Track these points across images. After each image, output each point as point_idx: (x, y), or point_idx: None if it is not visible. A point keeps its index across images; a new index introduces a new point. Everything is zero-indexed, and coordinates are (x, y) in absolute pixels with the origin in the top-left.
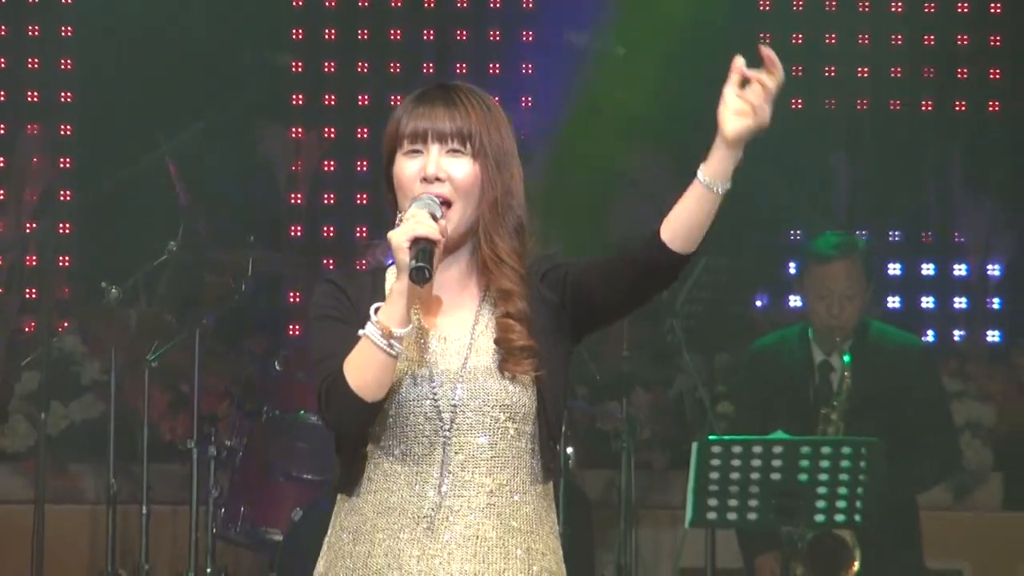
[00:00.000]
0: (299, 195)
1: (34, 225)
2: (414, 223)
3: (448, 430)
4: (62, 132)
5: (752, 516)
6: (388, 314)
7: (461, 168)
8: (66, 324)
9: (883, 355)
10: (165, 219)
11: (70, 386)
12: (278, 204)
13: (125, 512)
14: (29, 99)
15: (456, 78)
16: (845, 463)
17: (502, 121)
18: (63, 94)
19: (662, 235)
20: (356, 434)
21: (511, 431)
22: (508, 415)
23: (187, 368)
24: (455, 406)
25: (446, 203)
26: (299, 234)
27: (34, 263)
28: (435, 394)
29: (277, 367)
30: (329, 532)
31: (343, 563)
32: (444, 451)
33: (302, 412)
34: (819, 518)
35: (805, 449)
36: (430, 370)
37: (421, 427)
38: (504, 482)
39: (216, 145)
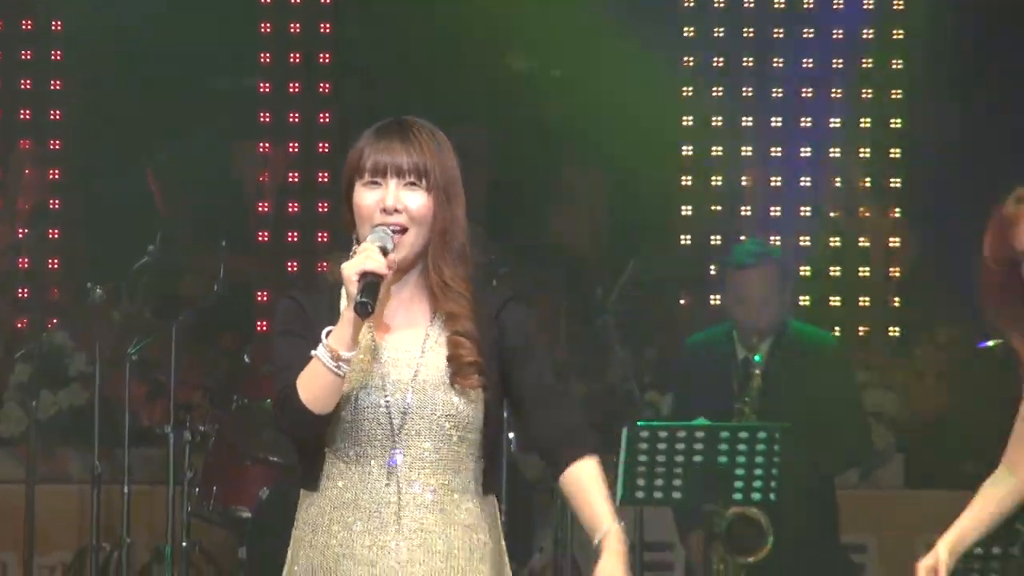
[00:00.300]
0: (266, 204)
1: (26, 231)
2: (364, 257)
3: (397, 435)
4: (52, 147)
5: (676, 495)
6: (337, 338)
7: (416, 200)
8: (55, 321)
9: (801, 352)
10: (145, 227)
11: (58, 377)
12: (246, 213)
13: (108, 491)
14: (21, 117)
15: None
16: (760, 447)
17: (451, 154)
18: (52, 112)
19: (559, 478)
20: (308, 440)
21: (455, 438)
22: (453, 424)
23: (164, 361)
24: (404, 413)
25: (403, 230)
26: (266, 239)
27: (26, 266)
28: (387, 402)
29: (246, 360)
30: (295, 525)
31: (305, 552)
32: (392, 453)
33: (268, 401)
34: (737, 496)
35: (724, 434)
36: (383, 380)
37: (374, 431)
38: (447, 482)
39: (191, 160)
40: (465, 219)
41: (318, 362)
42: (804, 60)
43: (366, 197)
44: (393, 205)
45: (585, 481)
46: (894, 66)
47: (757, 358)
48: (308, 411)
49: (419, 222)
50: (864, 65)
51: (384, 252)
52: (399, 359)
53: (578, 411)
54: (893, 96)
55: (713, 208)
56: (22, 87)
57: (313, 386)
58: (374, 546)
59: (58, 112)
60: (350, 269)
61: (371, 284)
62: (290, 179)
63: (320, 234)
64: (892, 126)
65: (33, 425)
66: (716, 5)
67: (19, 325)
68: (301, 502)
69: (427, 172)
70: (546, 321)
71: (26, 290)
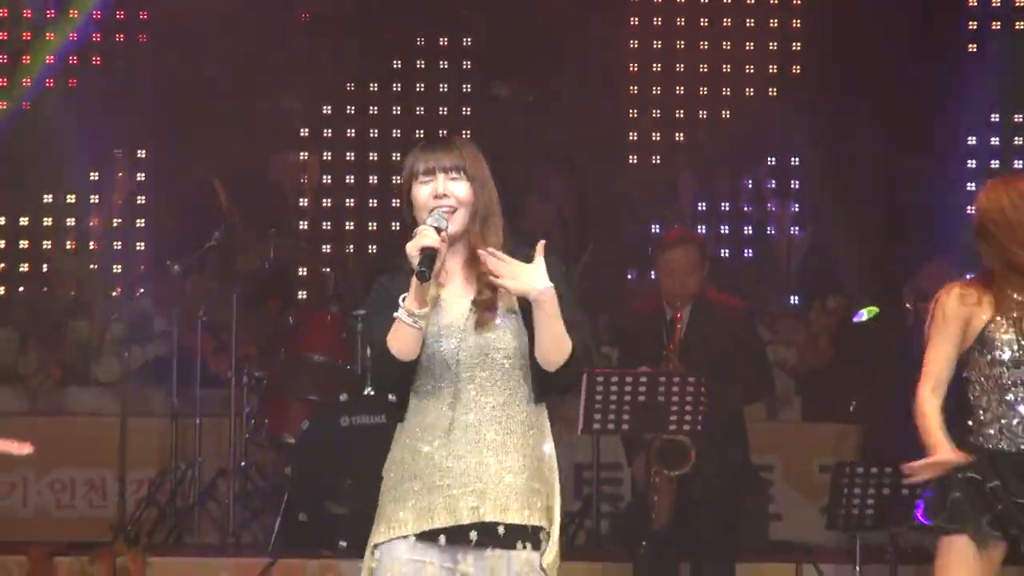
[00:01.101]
0: (306, 200)
1: (120, 221)
2: (420, 237)
3: (459, 368)
4: (139, 155)
5: (624, 427)
6: (410, 300)
7: (461, 188)
8: (142, 291)
9: (714, 313)
10: (211, 218)
11: (145, 334)
12: (289, 207)
13: (184, 423)
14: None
15: None
16: (689, 388)
17: (481, 157)
18: (139, 136)
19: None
20: (400, 386)
21: (506, 365)
22: (502, 354)
23: (227, 321)
24: (461, 351)
25: (452, 211)
26: (305, 227)
27: (119, 247)
28: (449, 345)
29: (289, 320)
30: (391, 449)
31: (397, 468)
32: (457, 384)
33: (306, 353)
34: (672, 427)
35: (662, 379)
36: (444, 329)
37: (441, 369)
38: (503, 400)
39: (247, 165)
40: (497, 203)
41: (399, 321)
42: None
43: (422, 191)
44: (443, 191)
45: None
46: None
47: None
48: (398, 360)
49: (464, 204)
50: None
51: (439, 230)
52: (454, 310)
53: (580, 340)
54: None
55: (651, 203)
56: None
57: (399, 340)
58: (450, 456)
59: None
60: (411, 247)
61: (428, 256)
62: (324, 181)
63: (347, 224)
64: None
65: (126, 372)
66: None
67: (114, 294)
68: (396, 432)
69: (465, 167)
70: None
71: (119, 266)
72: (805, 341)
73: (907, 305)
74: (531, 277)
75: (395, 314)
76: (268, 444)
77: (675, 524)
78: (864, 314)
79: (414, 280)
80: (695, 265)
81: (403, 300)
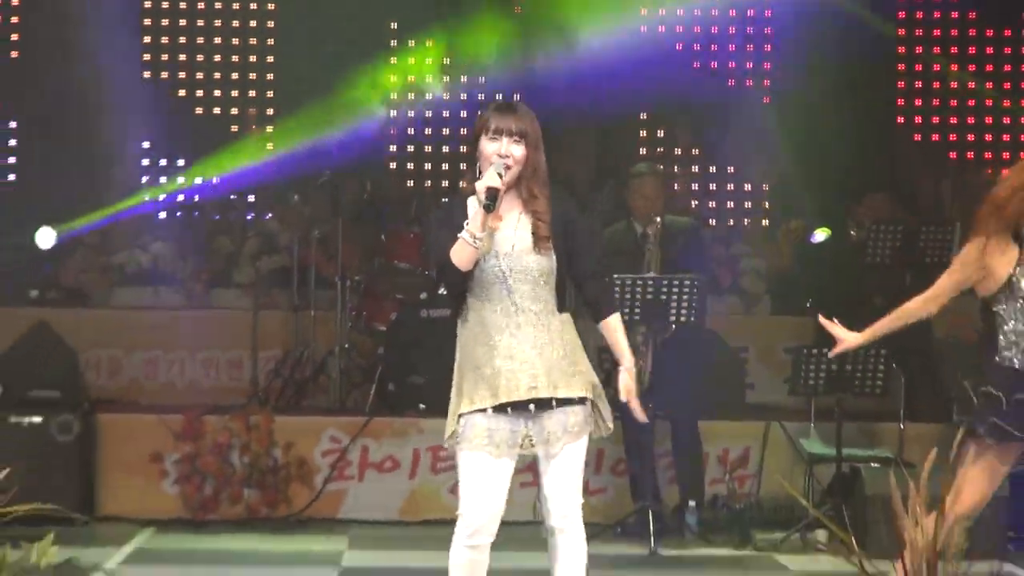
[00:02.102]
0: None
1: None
2: (488, 178)
3: (507, 282)
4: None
5: (636, 317)
6: (473, 225)
7: (519, 151)
8: (270, 214)
9: (674, 229)
10: (323, 161)
11: (273, 247)
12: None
13: (302, 315)
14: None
15: None
16: (687, 285)
17: (537, 124)
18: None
19: (597, 321)
20: (457, 287)
21: (541, 281)
22: (538, 272)
23: (335, 239)
24: (511, 269)
25: (508, 167)
26: (394, 167)
27: None
28: (500, 264)
29: (382, 238)
30: (457, 344)
31: (470, 358)
32: (508, 293)
33: (394, 262)
34: (672, 317)
35: (664, 281)
36: (497, 251)
37: (493, 282)
38: (539, 308)
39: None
40: (544, 162)
41: (463, 240)
42: None
43: (489, 146)
44: (506, 152)
45: (613, 326)
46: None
47: (651, 231)
48: (458, 270)
49: (519, 162)
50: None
51: (499, 176)
52: (506, 238)
53: (609, 282)
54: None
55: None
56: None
57: (461, 254)
58: (510, 348)
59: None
60: (480, 185)
61: (492, 194)
62: (409, 133)
63: (426, 164)
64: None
65: (258, 276)
66: None
67: (248, 218)
68: (459, 329)
69: (525, 134)
70: None
71: (252, 196)
72: (773, 253)
73: (851, 232)
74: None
75: (460, 234)
76: (365, 331)
77: (654, 389)
78: (819, 234)
79: (480, 210)
80: (659, 191)
81: (467, 224)
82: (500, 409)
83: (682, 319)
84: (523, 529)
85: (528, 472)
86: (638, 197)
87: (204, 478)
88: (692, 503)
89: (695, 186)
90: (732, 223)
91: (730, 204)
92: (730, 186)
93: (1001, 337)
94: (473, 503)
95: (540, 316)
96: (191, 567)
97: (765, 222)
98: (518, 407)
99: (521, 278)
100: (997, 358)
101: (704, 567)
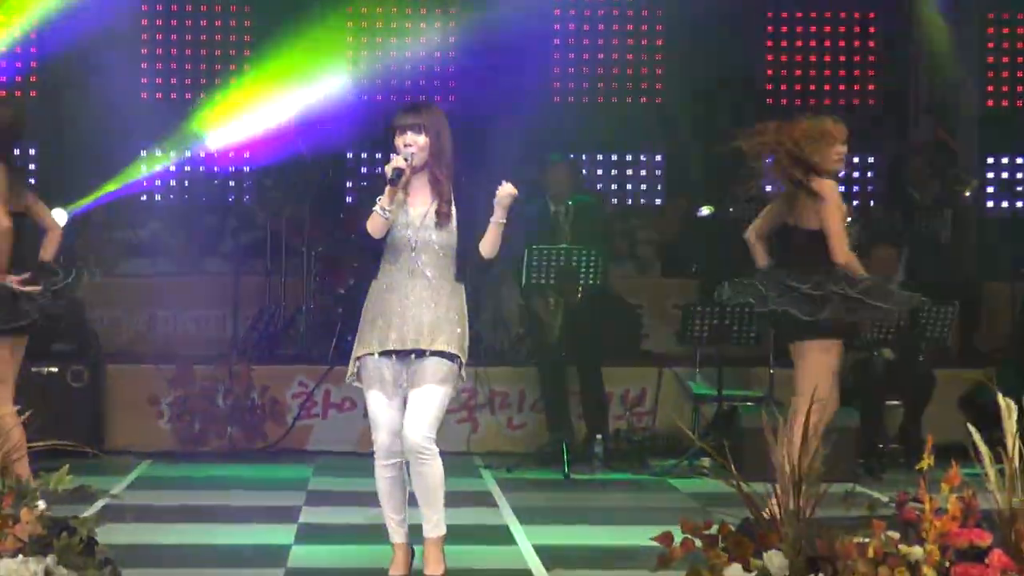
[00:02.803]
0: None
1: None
2: (394, 162)
3: (414, 251)
4: None
5: (552, 281)
6: (384, 200)
7: (421, 139)
8: (247, 197)
9: (581, 207)
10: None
11: (250, 225)
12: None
13: (275, 280)
14: None
15: None
16: (593, 257)
17: (442, 116)
18: None
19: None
20: (374, 250)
21: (440, 253)
22: (439, 245)
23: (302, 217)
24: (417, 240)
25: (415, 153)
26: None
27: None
28: (409, 234)
29: (341, 216)
30: (367, 296)
31: (371, 309)
32: (411, 260)
33: (351, 236)
34: (580, 282)
35: (574, 250)
36: (408, 223)
37: (402, 249)
38: (438, 274)
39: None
40: (450, 148)
41: (375, 212)
42: None
43: (398, 140)
44: (410, 142)
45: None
46: None
47: (563, 208)
48: (371, 237)
49: (422, 148)
50: None
51: (405, 159)
52: (418, 213)
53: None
54: None
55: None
56: None
57: (373, 223)
58: (402, 302)
59: None
60: (388, 167)
61: (396, 173)
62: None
63: (376, 154)
64: None
65: (239, 248)
66: None
67: (231, 199)
68: (370, 287)
69: (425, 126)
70: None
71: (232, 181)
72: (664, 226)
73: (730, 209)
74: (502, 210)
75: (375, 208)
76: (327, 294)
77: (565, 341)
78: (704, 210)
79: (388, 186)
80: (571, 176)
81: (379, 199)
82: (385, 355)
83: (590, 283)
84: (456, 458)
85: (463, 410)
86: (553, 181)
87: (193, 417)
88: (599, 436)
89: (599, 171)
90: (630, 202)
91: (629, 186)
92: (629, 170)
93: None
94: (376, 430)
95: (434, 281)
96: (184, 491)
97: (658, 200)
98: (401, 354)
99: (424, 248)
100: None
101: (608, 489)
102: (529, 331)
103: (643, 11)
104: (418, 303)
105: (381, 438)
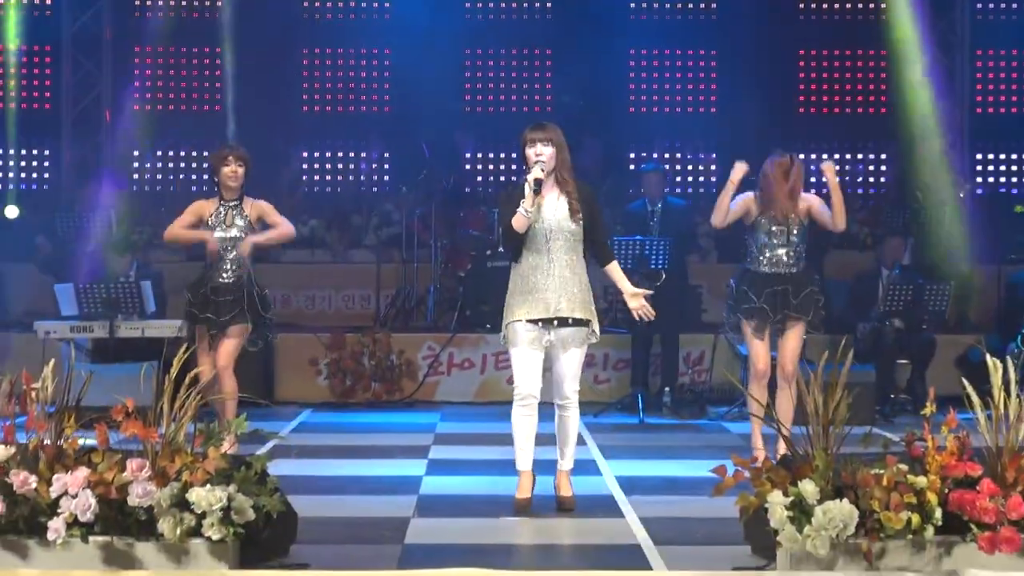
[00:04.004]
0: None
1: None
2: (534, 172)
3: (549, 239)
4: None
5: (629, 264)
6: (526, 204)
7: (548, 150)
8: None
9: (672, 209)
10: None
11: (388, 222)
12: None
13: (408, 266)
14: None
15: None
16: (660, 246)
17: (561, 133)
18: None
19: (603, 266)
20: (517, 245)
21: (572, 240)
22: (570, 233)
23: (430, 216)
24: (551, 230)
25: (545, 162)
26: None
27: None
28: (545, 227)
29: (461, 215)
30: (510, 278)
31: (518, 287)
32: (548, 247)
33: (470, 231)
34: (652, 265)
35: (647, 243)
36: (543, 218)
37: (540, 240)
38: (572, 260)
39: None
40: (568, 157)
41: (520, 213)
42: None
43: (529, 151)
44: (540, 154)
45: (614, 268)
46: None
47: (660, 207)
48: (517, 233)
49: (550, 159)
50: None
51: (541, 171)
52: (548, 208)
53: (609, 241)
54: None
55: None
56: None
57: (518, 222)
58: (545, 280)
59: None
60: (529, 177)
61: (538, 182)
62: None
63: (489, 165)
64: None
65: (379, 241)
66: None
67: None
68: (512, 272)
69: (551, 140)
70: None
71: (375, 188)
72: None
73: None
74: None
75: (518, 210)
76: (451, 277)
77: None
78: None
79: (530, 192)
80: (661, 182)
81: (523, 202)
82: (532, 321)
83: (659, 266)
84: (546, 406)
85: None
86: (648, 185)
87: (345, 375)
88: (667, 388)
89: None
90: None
91: (690, 189)
92: (689, 177)
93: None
94: (520, 378)
95: (568, 264)
96: (337, 434)
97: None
98: (546, 322)
99: (557, 237)
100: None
101: (675, 431)
102: (613, 306)
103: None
104: (558, 280)
105: (523, 385)
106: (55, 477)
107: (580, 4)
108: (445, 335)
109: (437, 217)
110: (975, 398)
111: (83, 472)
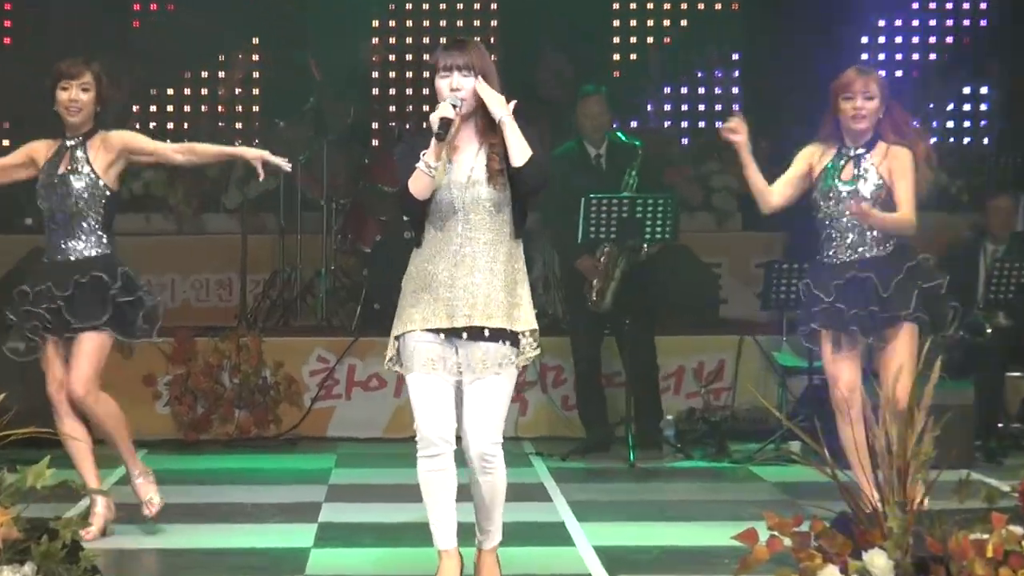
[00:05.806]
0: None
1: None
2: (440, 109)
3: (461, 211)
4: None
5: (612, 235)
6: (428, 156)
7: (469, 83)
8: (257, 140)
9: (622, 149)
10: (309, 87)
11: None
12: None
13: (289, 238)
14: None
15: None
16: (662, 203)
17: (487, 56)
18: None
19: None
20: (415, 215)
21: (494, 211)
22: (492, 203)
23: (321, 163)
24: (465, 200)
25: (463, 99)
26: (377, 94)
27: (239, 110)
28: (454, 193)
29: (366, 161)
30: (408, 267)
31: (413, 281)
32: (461, 223)
33: (379, 185)
34: (647, 236)
35: (639, 199)
36: (452, 181)
37: (448, 211)
38: (492, 238)
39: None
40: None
41: (419, 170)
42: None
43: (442, 83)
44: (456, 86)
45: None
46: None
47: (603, 149)
48: (414, 198)
49: (471, 95)
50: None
51: (454, 107)
52: (463, 169)
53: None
54: None
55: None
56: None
57: (417, 183)
58: (451, 271)
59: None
60: (433, 116)
61: (444, 124)
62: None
63: (407, 90)
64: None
65: (246, 201)
66: None
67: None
68: (412, 255)
69: (473, 66)
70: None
71: (240, 123)
72: (741, 174)
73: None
74: (501, 106)
75: (416, 164)
76: (351, 253)
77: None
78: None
79: (434, 140)
80: (605, 111)
81: (423, 155)
82: (433, 331)
83: (657, 236)
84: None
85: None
86: (587, 118)
87: (195, 399)
88: (669, 417)
89: (667, 106)
90: (704, 141)
91: (702, 123)
92: (701, 106)
93: None
94: (422, 418)
95: (490, 246)
96: (183, 487)
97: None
98: (451, 333)
99: (474, 208)
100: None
101: (680, 479)
102: (568, 297)
103: None
104: (469, 271)
105: (424, 428)
106: None
107: None
108: (344, 339)
109: (331, 166)
110: None
111: None
